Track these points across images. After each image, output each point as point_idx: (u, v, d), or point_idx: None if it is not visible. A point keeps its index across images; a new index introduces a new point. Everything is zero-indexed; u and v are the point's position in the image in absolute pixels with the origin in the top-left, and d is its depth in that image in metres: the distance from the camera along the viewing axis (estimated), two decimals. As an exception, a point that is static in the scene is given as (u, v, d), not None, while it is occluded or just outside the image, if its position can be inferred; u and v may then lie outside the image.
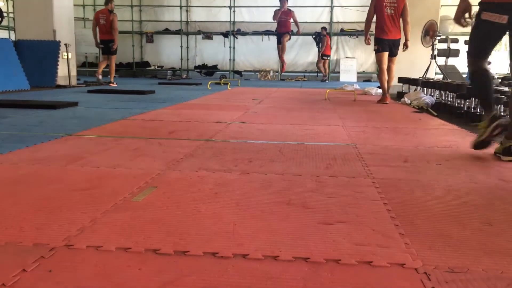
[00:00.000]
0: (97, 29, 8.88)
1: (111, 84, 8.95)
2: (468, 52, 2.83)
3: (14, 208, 1.52)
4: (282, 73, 13.68)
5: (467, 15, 2.72)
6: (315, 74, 14.61)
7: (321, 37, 13.27)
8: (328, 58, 13.42)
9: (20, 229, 1.32)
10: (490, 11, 2.60)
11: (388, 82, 6.05)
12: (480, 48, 2.78)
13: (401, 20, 5.83)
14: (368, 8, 6.01)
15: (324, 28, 13.28)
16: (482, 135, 2.63)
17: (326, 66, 13.47)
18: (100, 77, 9.05)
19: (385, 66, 5.94)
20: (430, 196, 1.76)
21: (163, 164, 2.21)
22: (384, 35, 5.84)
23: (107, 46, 8.88)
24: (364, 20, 6.25)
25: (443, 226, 1.43)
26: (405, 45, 5.97)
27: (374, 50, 6.07)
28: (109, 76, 9.23)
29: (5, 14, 10.82)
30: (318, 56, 13.48)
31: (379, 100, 6.17)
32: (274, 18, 10.36)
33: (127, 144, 2.72)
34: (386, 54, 5.90)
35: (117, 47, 9.01)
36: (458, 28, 10.64)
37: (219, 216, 1.48)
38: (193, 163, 2.24)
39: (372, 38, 6.01)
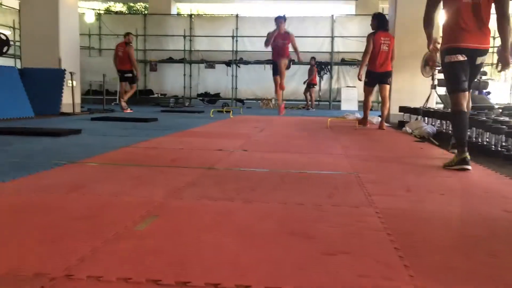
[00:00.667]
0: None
1: (125, 110, 9.46)
2: (452, 88, 3.24)
3: (15, 237, 1.51)
4: (288, 102, 13.86)
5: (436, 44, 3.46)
6: (317, 102, 14.73)
7: (310, 66, 13.54)
8: (315, 87, 13.60)
9: (21, 259, 1.31)
10: (452, 53, 3.19)
11: (383, 109, 6.62)
12: (459, 80, 3.19)
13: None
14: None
15: (313, 58, 13.51)
16: (450, 165, 3.14)
17: (313, 94, 13.65)
18: (124, 104, 9.54)
19: (369, 97, 6.76)
20: (434, 227, 1.75)
21: (165, 192, 2.20)
22: (376, 69, 6.39)
23: (123, 75, 9.53)
24: (362, 50, 6.63)
25: (448, 258, 1.41)
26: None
27: (361, 80, 6.69)
28: (120, 102, 9.74)
29: (11, 43, 11.01)
30: (305, 84, 13.69)
31: (359, 122, 6.91)
32: (266, 43, 9.13)
33: (129, 172, 2.72)
34: (372, 88, 6.67)
35: (136, 76, 9.65)
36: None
37: (221, 245, 1.47)
38: (195, 192, 2.24)
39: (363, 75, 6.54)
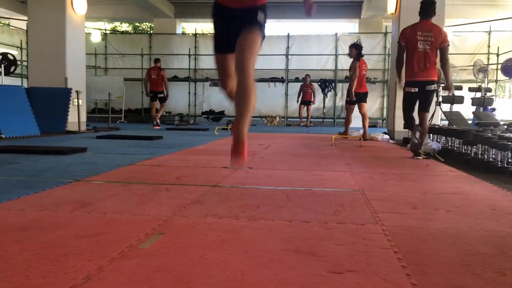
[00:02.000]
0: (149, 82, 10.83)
1: (155, 127, 10.67)
2: (404, 108, 5.03)
3: (20, 255, 1.51)
4: (288, 119, 13.96)
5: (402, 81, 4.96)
6: (321, 119, 14.76)
7: (304, 83, 13.57)
8: (311, 104, 13.49)
9: (25, 277, 1.31)
10: (408, 86, 4.87)
11: (365, 123, 7.91)
12: (410, 105, 4.97)
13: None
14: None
15: (307, 76, 13.55)
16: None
17: (310, 111, 13.60)
18: (157, 121, 10.85)
19: (351, 113, 8.08)
20: (441, 244, 1.73)
21: (170, 210, 2.20)
22: (360, 89, 7.77)
23: (155, 96, 10.76)
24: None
25: (456, 276, 1.39)
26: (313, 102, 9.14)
27: (346, 100, 8.05)
28: (154, 121, 10.95)
29: (18, 62, 11.16)
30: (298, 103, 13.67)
31: (341, 133, 8.09)
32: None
33: (134, 190, 2.72)
34: (354, 106, 7.96)
35: (167, 96, 11.06)
36: (461, 76, 11.00)
37: (226, 264, 1.46)
38: (200, 209, 2.23)
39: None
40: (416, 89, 4.77)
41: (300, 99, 13.49)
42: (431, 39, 4.75)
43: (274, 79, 14.88)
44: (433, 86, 4.77)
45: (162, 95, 10.76)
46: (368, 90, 8.16)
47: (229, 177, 3.29)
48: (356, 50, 7.77)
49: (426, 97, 4.81)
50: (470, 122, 9.84)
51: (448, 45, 4.82)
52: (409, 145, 6.13)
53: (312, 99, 13.43)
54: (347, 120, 8.21)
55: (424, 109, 4.86)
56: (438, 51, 4.76)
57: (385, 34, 14.39)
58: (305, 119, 13.63)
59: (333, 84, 14.70)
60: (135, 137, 7.24)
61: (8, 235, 1.74)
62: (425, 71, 4.72)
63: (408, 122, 5.00)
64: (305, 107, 13.45)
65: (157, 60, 11.10)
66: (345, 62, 14.57)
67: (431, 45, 4.74)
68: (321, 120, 14.79)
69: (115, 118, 13.96)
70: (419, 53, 4.73)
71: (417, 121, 4.99)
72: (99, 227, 1.87)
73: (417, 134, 4.86)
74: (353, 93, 7.67)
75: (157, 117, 10.89)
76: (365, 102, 7.92)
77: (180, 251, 1.58)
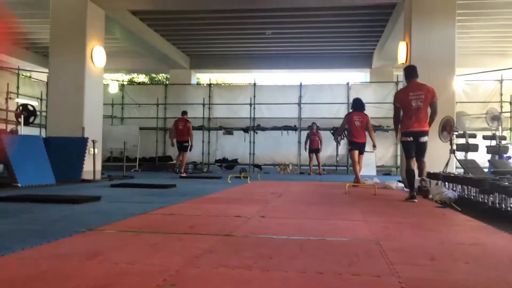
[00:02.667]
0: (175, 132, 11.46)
1: (182, 175, 11.09)
2: (405, 155, 5.69)
3: (31, 306, 1.49)
4: (302, 167, 13.95)
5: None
6: (334, 167, 14.70)
7: (311, 131, 13.59)
8: (319, 152, 13.45)
9: (35, 329, 1.29)
10: (404, 136, 5.58)
11: (359, 169, 8.62)
12: (409, 153, 5.57)
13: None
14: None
15: (314, 123, 13.62)
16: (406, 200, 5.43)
17: (320, 159, 13.55)
18: (183, 169, 11.53)
19: (356, 159, 8.54)
20: (460, 298, 1.67)
21: (182, 260, 2.18)
22: (355, 139, 8.50)
23: (181, 145, 11.34)
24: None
25: (477, 332, 1.34)
26: (374, 146, 9.06)
27: (348, 149, 8.96)
28: (176, 169, 11.70)
29: (37, 113, 11.49)
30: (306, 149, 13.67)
31: (354, 184, 7.94)
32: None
33: (146, 239, 2.71)
34: (356, 152, 8.52)
35: (189, 146, 11.45)
36: (475, 124, 11.00)
37: (238, 317, 1.42)
38: (212, 260, 2.21)
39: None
40: (411, 138, 5.52)
41: (307, 147, 13.51)
42: (422, 97, 5.47)
43: (287, 127, 15.00)
44: (426, 137, 5.50)
45: (187, 144, 11.37)
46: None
47: (242, 226, 3.27)
48: (352, 104, 9.18)
49: (421, 145, 5.52)
50: (486, 170, 9.71)
51: (437, 99, 5.55)
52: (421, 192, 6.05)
53: (320, 147, 13.44)
54: (353, 166, 8.74)
55: (420, 156, 5.56)
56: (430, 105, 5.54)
57: (397, 83, 14.55)
58: (316, 167, 13.58)
59: (345, 132, 14.72)
60: (149, 185, 7.27)
61: (20, 286, 1.73)
62: (418, 123, 5.47)
63: (410, 175, 5.59)
64: (314, 155, 13.45)
65: (184, 112, 11.80)
66: (357, 111, 14.69)
67: (423, 101, 5.47)
68: (335, 168, 14.73)
69: (130, 167, 14.09)
70: (413, 110, 5.49)
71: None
72: (111, 278, 1.85)
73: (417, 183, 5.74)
74: (337, 138, 9.48)
75: (183, 167, 11.58)
76: (361, 152, 8.66)
77: (192, 303, 1.55)
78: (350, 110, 9.11)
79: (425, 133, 5.48)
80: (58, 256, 2.22)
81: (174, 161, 15.60)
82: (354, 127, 8.48)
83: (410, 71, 5.75)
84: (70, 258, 2.20)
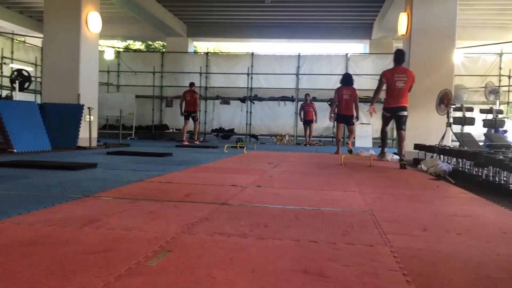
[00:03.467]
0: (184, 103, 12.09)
1: (196, 142, 12.19)
2: (382, 124, 7.06)
3: (28, 270, 1.51)
4: (298, 138, 13.95)
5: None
6: (331, 139, 14.73)
7: (304, 103, 13.53)
8: (312, 123, 13.41)
9: (33, 292, 1.31)
10: (385, 111, 6.74)
11: (349, 138, 9.68)
12: (386, 123, 6.93)
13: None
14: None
15: (307, 95, 13.50)
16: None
17: (312, 131, 13.52)
18: (184, 137, 12.28)
19: (341, 131, 9.75)
20: (451, 268, 1.70)
21: (178, 227, 2.20)
22: (343, 112, 9.14)
23: (189, 115, 12.03)
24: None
25: (466, 300, 1.37)
26: (357, 118, 9.42)
27: (336, 121, 9.54)
28: (193, 137, 12.60)
29: (32, 79, 11.36)
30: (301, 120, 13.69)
31: (335, 152, 9.14)
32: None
33: (143, 206, 2.73)
34: (341, 124, 9.46)
35: (196, 116, 12.24)
36: (472, 97, 11.03)
37: (233, 283, 1.45)
38: (208, 227, 2.23)
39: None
40: (390, 114, 6.69)
41: (302, 118, 13.49)
42: (405, 79, 6.51)
43: (284, 98, 14.95)
44: (405, 112, 6.53)
45: (195, 114, 12.07)
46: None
47: (237, 195, 3.29)
48: (341, 78, 9.60)
49: (399, 118, 6.57)
50: (481, 144, 9.76)
51: (414, 83, 6.65)
52: (419, 166, 6.09)
53: (314, 118, 13.39)
54: (337, 139, 9.62)
55: (399, 127, 6.60)
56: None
57: (396, 55, 14.45)
58: (313, 138, 13.62)
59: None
60: (145, 153, 7.28)
61: (17, 250, 1.75)
62: (400, 100, 6.51)
63: (383, 135, 7.29)
64: (308, 126, 13.44)
65: (192, 84, 12.26)
66: (356, 82, 14.55)
67: (406, 83, 6.50)
68: (331, 139, 14.76)
69: (126, 135, 14.07)
70: (397, 89, 6.52)
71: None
72: (107, 244, 1.87)
73: (385, 149, 7.47)
74: (331, 115, 9.68)
75: (183, 136, 12.31)
76: (349, 123, 9.35)
77: (188, 269, 1.58)
78: (339, 85, 9.42)
79: (404, 108, 6.52)
80: (55, 222, 2.24)
81: (172, 130, 15.65)
82: (342, 101, 9.06)
83: (400, 56, 6.71)
84: (67, 223, 2.22)
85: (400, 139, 6.56)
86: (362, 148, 10.60)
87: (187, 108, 11.97)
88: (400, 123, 6.52)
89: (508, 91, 13.75)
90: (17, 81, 9.39)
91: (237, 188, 3.65)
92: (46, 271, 1.50)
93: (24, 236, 1.96)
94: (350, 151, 9.03)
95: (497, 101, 11.73)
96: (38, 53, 14.45)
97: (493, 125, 9.76)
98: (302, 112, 13.47)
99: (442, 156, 6.20)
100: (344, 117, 9.19)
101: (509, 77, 13.84)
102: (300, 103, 14.59)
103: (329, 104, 14.38)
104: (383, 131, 7.20)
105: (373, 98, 7.03)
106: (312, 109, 13.34)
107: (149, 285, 1.40)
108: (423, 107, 8.04)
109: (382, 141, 7.52)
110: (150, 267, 1.58)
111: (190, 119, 12.12)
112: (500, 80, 13.76)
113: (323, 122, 14.63)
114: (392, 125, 7.38)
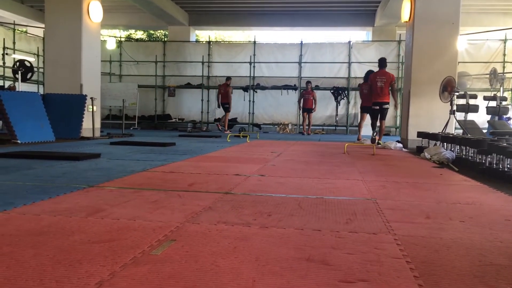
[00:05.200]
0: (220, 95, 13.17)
1: (226, 131, 12.99)
2: (372, 118, 8.77)
3: (34, 259, 1.53)
4: (301, 126, 13.90)
5: None
6: (334, 127, 14.71)
7: (305, 90, 13.36)
8: (312, 112, 13.22)
9: (39, 282, 1.33)
10: (373, 105, 8.58)
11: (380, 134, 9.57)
12: (375, 116, 8.65)
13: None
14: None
15: (308, 82, 13.26)
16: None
17: (311, 119, 13.39)
18: (220, 127, 13.68)
19: (364, 118, 10.03)
20: (454, 255, 1.71)
21: (182, 216, 2.22)
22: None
23: (224, 107, 13.16)
24: None
25: (468, 287, 1.38)
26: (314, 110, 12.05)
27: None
28: (223, 125, 13.55)
29: (35, 69, 11.35)
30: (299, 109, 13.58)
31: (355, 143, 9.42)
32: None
33: (147, 196, 2.75)
34: (366, 114, 9.83)
35: (229, 107, 13.19)
36: (476, 84, 11.00)
37: (237, 271, 1.46)
38: (212, 216, 2.24)
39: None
40: (378, 107, 8.44)
41: (301, 106, 13.28)
42: (384, 80, 8.30)
43: (287, 87, 14.90)
44: (387, 105, 8.43)
45: (227, 105, 13.13)
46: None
47: (241, 184, 3.30)
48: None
49: (382, 111, 8.45)
50: (485, 131, 9.72)
51: (395, 82, 8.45)
52: (422, 153, 6.08)
53: (313, 107, 13.19)
54: (360, 126, 10.14)
55: (382, 118, 8.51)
56: (390, 86, 8.36)
57: (399, 42, 14.34)
58: (312, 127, 13.52)
59: (345, 92, 14.64)
60: (149, 143, 7.30)
61: (23, 240, 1.76)
62: (382, 97, 8.36)
63: (374, 126, 8.69)
64: (307, 114, 13.25)
65: (228, 78, 13.25)
66: (358, 70, 14.55)
67: (385, 83, 8.29)
68: (334, 128, 14.74)
69: (129, 125, 14.09)
70: (379, 88, 8.33)
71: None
72: (112, 233, 1.89)
73: (375, 134, 8.61)
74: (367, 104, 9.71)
75: (222, 124, 13.59)
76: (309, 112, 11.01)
77: (192, 258, 1.59)
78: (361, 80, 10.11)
79: (386, 103, 8.39)
80: (60, 212, 2.26)
81: (174, 119, 15.66)
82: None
83: (383, 62, 8.58)
84: (72, 213, 2.24)
85: (381, 127, 8.58)
86: (366, 137, 10.55)
87: (222, 100, 13.19)
88: (383, 115, 8.47)
89: (510, 78, 13.64)
90: (19, 72, 9.37)
91: (240, 177, 3.66)
92: (52, 260, 1.52)
93: (30, 226, 1.98)
94: (376, 142, 8.30)
95: (501, 88, 11.64)
96: (40, 43, 14.42)
97: (497, 112, 9.71)
98: (302, 100, 13.25)
99: (445, 143, 6.19)
100: (377, 104, 8.48)
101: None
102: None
103: (332, 92, 14.35)
104: (374, 124, 8.65)
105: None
106: (312, 97, 13.03)
107: (154, 274, 1.42)
108: (426, 95, 8.00)
109: (373, 128, 8.82)
110: (154, 256, 1.60)
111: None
112: (504, 67, 13.65)
113: (326, 110, 14.59)
114: (395, 112, 7.81)
